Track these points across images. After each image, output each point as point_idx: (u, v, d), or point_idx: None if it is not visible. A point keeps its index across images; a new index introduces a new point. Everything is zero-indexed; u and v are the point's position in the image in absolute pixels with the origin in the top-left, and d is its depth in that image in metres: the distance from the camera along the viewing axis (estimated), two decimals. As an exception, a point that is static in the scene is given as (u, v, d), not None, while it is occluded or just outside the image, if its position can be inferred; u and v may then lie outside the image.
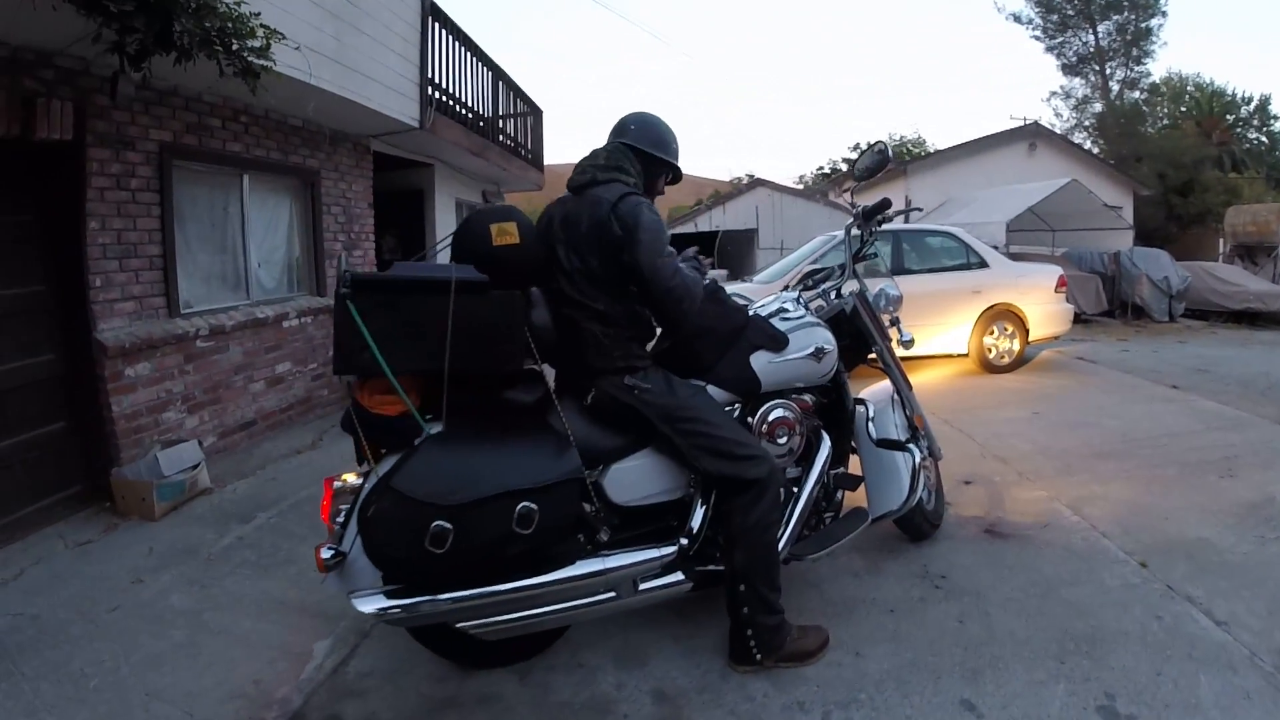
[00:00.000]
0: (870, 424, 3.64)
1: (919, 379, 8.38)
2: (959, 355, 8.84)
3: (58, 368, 4.59)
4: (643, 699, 2.75)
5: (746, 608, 2.73)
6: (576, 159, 2.91)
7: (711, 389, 2.98)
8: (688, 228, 20.24)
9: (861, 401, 3.68)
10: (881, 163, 3.28)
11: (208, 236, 5.91)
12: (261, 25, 4.17)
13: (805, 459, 3.22)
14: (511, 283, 2.55)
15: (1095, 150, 25.24)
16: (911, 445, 3.54)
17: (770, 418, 3.09)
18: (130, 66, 3.68)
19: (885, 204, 3.48)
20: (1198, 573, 3.55)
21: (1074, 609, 3.28)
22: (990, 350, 8.70)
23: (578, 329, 2.74)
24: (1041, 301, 8.78)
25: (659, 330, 2.98)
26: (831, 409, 3.39)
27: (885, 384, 3.86)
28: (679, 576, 2.80)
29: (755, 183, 20.52)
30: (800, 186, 36.02)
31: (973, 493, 4.73)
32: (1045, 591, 3.45)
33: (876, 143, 3.35)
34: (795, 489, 3.15)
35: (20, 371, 4.37)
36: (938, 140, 30.62)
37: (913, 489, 3.44)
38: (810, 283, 3.82)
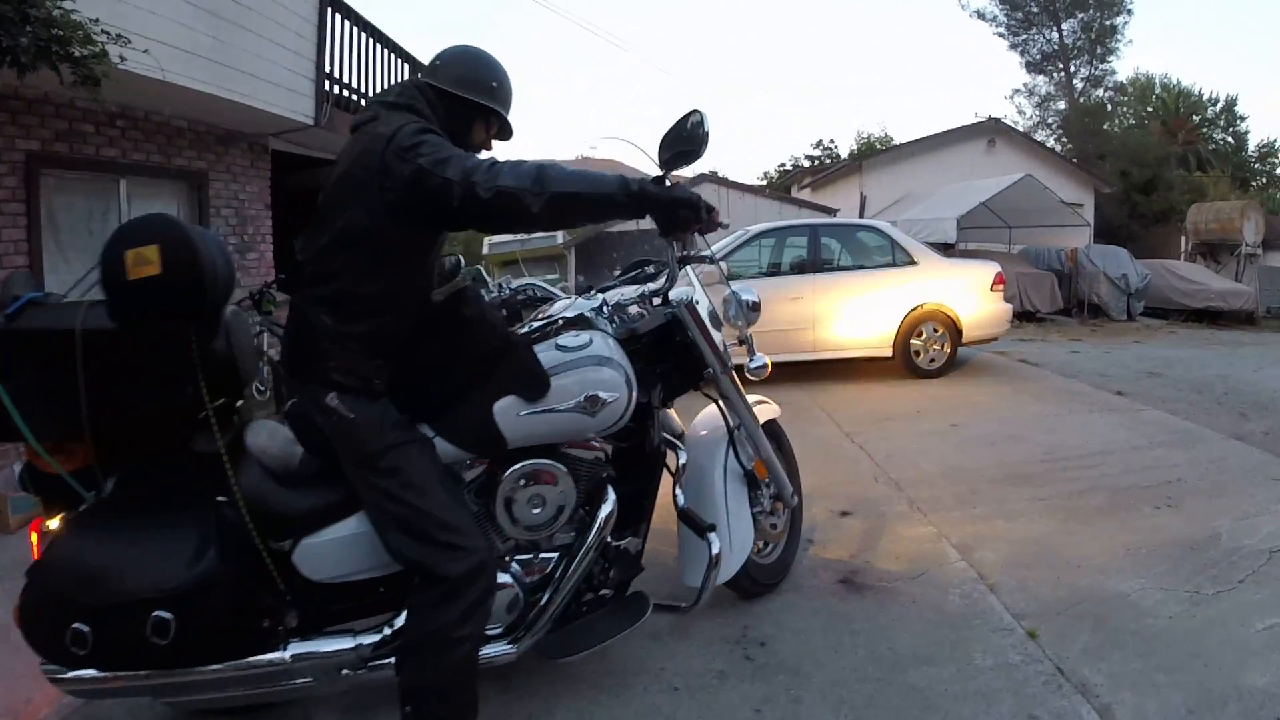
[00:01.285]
0: (678, 483, 2.67)
1: (836, 384, 7.53)
2: (884, 359, 7.91)
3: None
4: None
5: None
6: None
7: (440, 443, 2.19)
8: (629, 226, 19.20)
9: (674, 445, 2.70)
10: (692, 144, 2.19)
11: (85, 245, 5.63)
12: (103, 30, 4.05)
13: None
14: (160, 319, 1.96)
15: (1058, 148, 24.62)
16: (711, 535, 2.58)
17: (520, 479, 2.25)
18: None
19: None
20: (1103, 646, 2.64)
21: (919, 700, 2.40)
22: (918, 353, 7.79)
23: (305, 317, 2.07)
24: (975, 301, 7.90)
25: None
26: (634, 454, 2.53)
27: (717, 417, 2.90)
28: (394, 661, 2.15)
29: (700, 178, 19.52)
30: (763, 182, 35.32)
31: (846, 527, 3.80)
32: (888, 671, 2.57)
33: (693, 114, 2.24)
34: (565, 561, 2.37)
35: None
36: (905, 139, 29.94)
37: (704, 588, 2.55)
38: (643, 274, 2.88)
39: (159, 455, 2.14)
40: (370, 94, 9.01)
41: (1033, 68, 29.45)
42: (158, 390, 2.02)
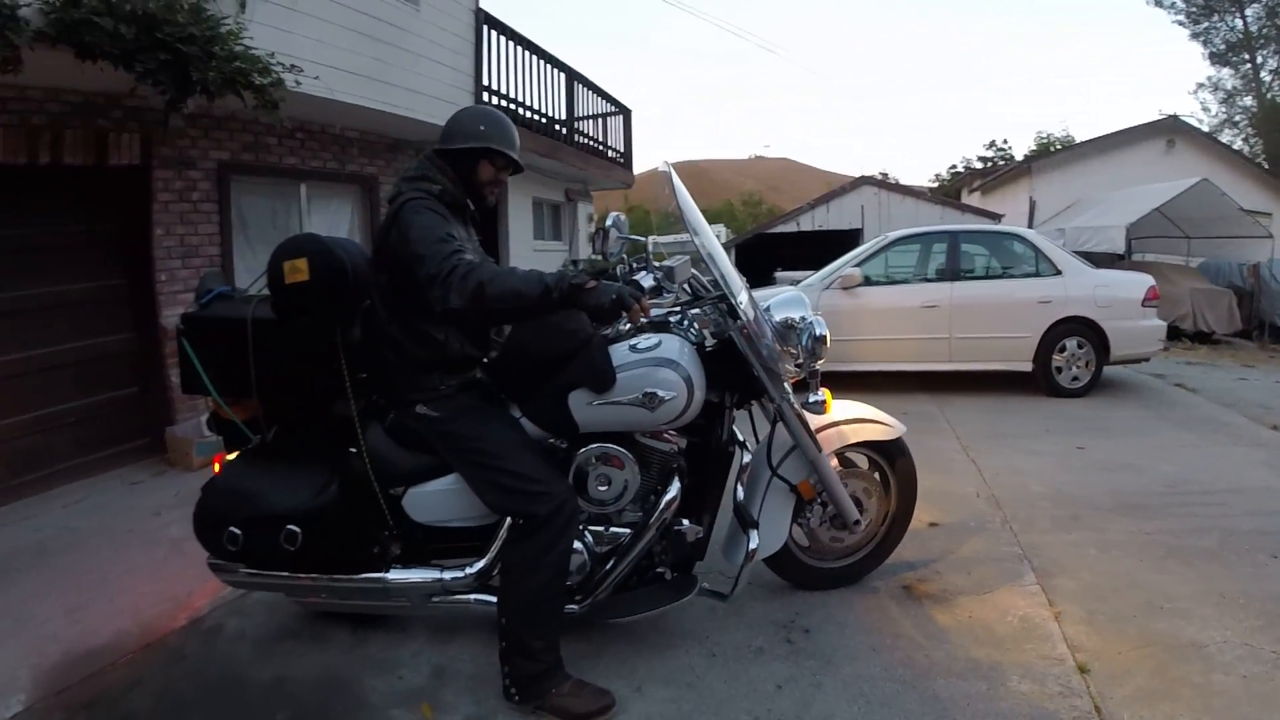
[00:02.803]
0: (740, 480, 2.98)
1: (968, 397, 7.41)
2: (1023, 374, 7.62)
3: (133, 344, 5.66)
4: (423, 669, 2.85)
5: (505, 642, 2.53)
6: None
7: (526, 422, 2.71)
8: (789, 227, 18.98)
9: (745, 445, 3.03)
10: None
11: (270, 238, 6.42)
12: (277, 62, 4.84)
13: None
14: (310, 318, 2.68)
15: (1245, 149, 22.43)
16: (753, 531, 2.87)
17: (592, 459, 2.71)
18: (169, 107, 4.52)
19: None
20: (1155, 695, 2.54)
21: (935, 709, 2.48)
22: (1059, 370, 7.46)
23: (378, 356, 2.68)
24: (1124, 316, 7.43)
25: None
26: (705, 450, 2.89)
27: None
28: (473, 598, 2.75)
29: (860, 180, 19.04)
30: (934, 184, 34.24)
31: (928, 537, 3.83)
32: (916, 676, 2.66)
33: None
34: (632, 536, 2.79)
35: (103, 346, 5.48)
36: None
37: (739, 577, 2.85)
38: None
39: (309, 414, 2.81)
40: (527, 102, 9.90)
41: (1216, 59, 26.68)
42: (309, 365, 2.69)
